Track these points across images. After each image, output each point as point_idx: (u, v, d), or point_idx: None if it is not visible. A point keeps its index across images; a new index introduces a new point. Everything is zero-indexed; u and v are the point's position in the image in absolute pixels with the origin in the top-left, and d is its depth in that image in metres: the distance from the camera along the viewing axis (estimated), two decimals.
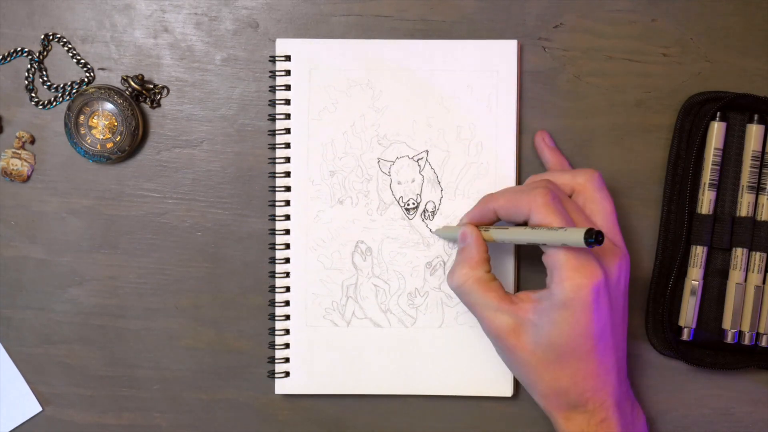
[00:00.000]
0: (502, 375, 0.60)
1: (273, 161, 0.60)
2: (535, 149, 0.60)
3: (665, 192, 0.60)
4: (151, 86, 0.61)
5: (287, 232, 0.60)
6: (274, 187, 0.60)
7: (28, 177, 0.61)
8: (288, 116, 0.60)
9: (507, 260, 0.60)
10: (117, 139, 0.60)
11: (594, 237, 0.48)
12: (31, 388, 0.61)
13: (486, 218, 0.56)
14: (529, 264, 0.60)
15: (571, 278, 0.51)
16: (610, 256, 0.54)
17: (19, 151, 0.60)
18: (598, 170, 0.56)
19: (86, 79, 0.61)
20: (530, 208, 0.53)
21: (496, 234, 0.55)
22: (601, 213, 0.55)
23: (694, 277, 0.59)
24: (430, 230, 0.60)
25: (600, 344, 0.52)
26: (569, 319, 0.51)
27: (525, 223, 0.54)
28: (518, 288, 0.60)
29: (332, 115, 0.60)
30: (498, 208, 0.55)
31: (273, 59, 0.60)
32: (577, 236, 0.48)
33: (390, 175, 0.60)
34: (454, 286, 0.55)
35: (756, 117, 0.59)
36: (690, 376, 0.61)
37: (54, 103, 0.61)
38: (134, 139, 0.60)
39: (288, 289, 0.60)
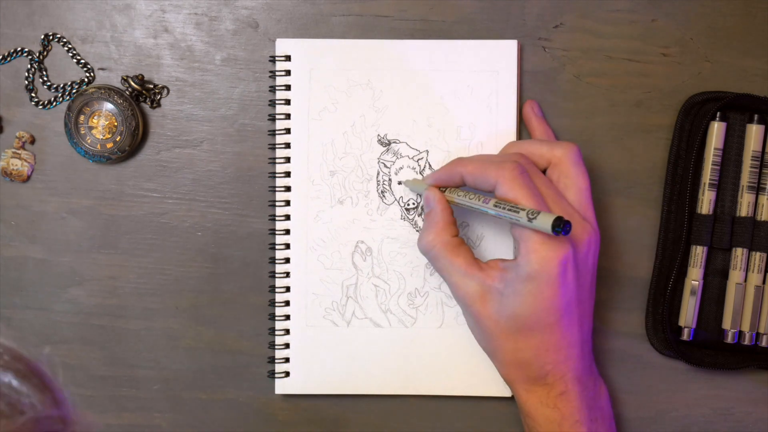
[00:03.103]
0: None
1: (273, 161, 0.60)
2: (523, 118, 0.60)
3: (665, 192, 0.60)
4: (151, 86, 0.61)
5: (287, 232, 0.60)
6: (274, 187, 0.60)
7: (28, 177, 0.61)
8: (288, 116, 0.60)
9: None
10: (117, 139, 0.60)
11: (562, 226, 0.48)
12: None
13: (452, 181, 0.56)
14: None
15: (538, 251, 0.51)
16: (580, 232, 0.53)
17: (19, 151, 0.60)
18: (577, 144, 0.55)
19: (86, 79, 0.61)
20: (497, 180, 0.52)
21: (460, 199, 0.55)
22: (574, 188, 0.55)
23: (694, 277, 0.59)
24: (399, 182, 0.60)
25: (564, 318, 0.52)
26: (534, 291, 0.51)
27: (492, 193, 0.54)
28: None
29: (332, 115, 0.60)
30: (466, 174, 0.54)
31: (273, 59, 0.60)
32: (545, 223, 0.48)
33: (390, 175, 0.60)
34: (423, 250, 0.56)
35: (756, 117, 0.59)
36: (690, 376, 0.61)
37: (54, 103, 0.61)
38: (134, 139, 0.60)
39: (288, 289, 0.60)
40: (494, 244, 0.59)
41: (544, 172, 0.56)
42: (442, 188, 0.56)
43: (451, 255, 0.54)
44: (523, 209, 0.50)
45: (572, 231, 0.52)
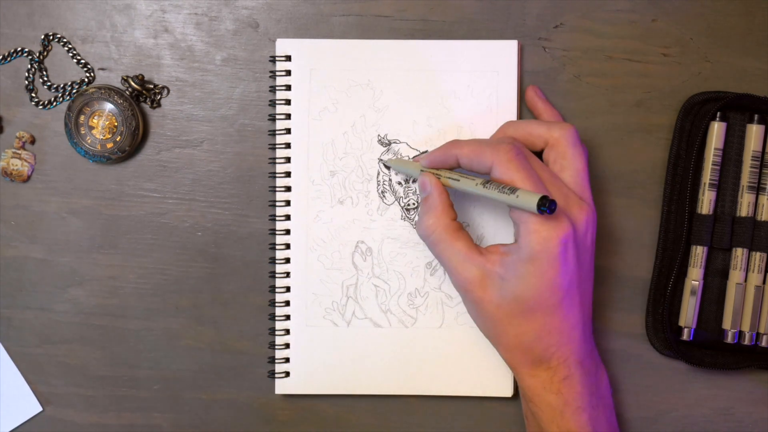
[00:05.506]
0: (502, 375, 0.60)
1: (273, 161, 0.60)
2: (527, 103, 0.60)
3: (665, 192, 0.60)
4: (151, 86, 0.61)
5: (287, 232, 0.60)
6: (275, 187, 0.60)
7: (28, 177, 0.61)
8: (288, 116, 0.60)
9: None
10: (117, 139, 0.60)
11: (547, 205, 0.48)
12: (31, 388, 0.61)
13: (447, 163, 0.56)
14: None
15: (538, 231, 0.51)
16: (578, 211, 0.53)
17: (19, 151, 0.60)
18: (573, 125, 0.55)
19: (86, 79, 0.61)
20: (493, 162, 0.52)
21: (453, 182, 0.54)
22: (571, 169, 0.55)
23: (694, 277, 0.59)
24: (380, 160, 0.60)
25: (566, 299, 0.52)
26: (536, 272, 0.51)
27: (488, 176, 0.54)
28: None
29: (332, 115, 0.60)
30: (461, 156, 0.54)
31: (273, 59, 0.60)
32: (530, 202, 0.49)
33: (390, 176, 0.60)
34: (423, 235, 0.55)
35: (756, 117, 0.59)
36: (690, 376, 0.61)
37: (54, 103, 0.61)
38: (134, 139, 0.60)
39: (288, 289, 0.60)
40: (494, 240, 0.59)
41: (541, 152, 0.56)
42: (434, 171, 0.56)
43: (452, 239, 0.54)
44: (511, 190, 0.50)
45: (570, 211, 0.52)
